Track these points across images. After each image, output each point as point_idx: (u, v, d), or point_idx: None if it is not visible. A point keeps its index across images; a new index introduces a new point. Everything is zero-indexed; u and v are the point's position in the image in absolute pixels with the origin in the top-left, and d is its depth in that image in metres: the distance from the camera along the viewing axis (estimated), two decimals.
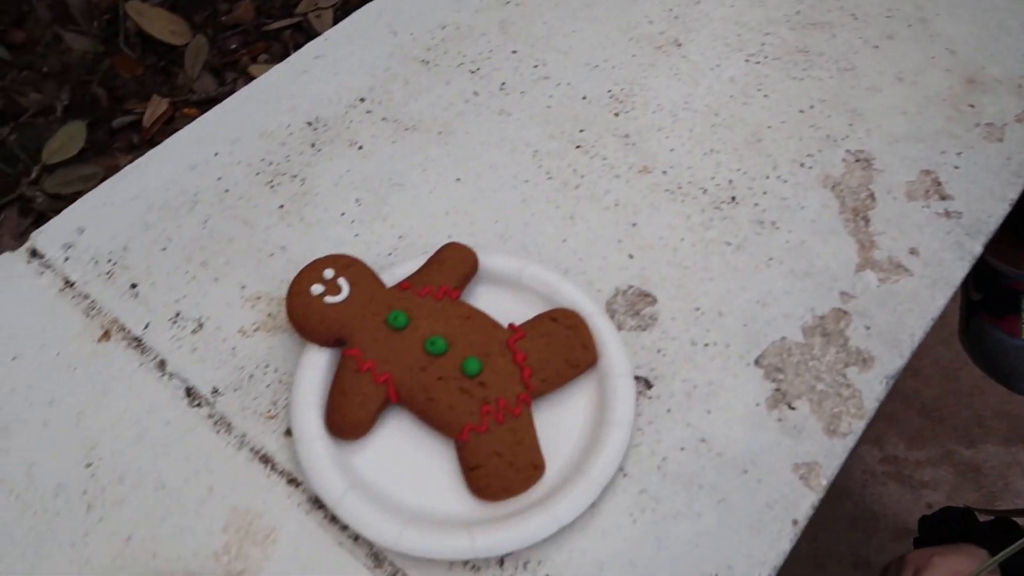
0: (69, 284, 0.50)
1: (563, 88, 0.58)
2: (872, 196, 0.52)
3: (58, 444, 0.43)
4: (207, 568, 0.39)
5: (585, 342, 0.44)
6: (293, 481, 0.42)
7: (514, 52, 0.61)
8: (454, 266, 0.46)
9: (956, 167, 0.54)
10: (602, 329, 0.45)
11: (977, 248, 0.50)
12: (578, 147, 0.55)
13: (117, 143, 0.75)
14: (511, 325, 0.45)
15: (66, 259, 0.51)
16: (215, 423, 0.44)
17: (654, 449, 0.42)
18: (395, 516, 0.39)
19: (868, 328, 0.46)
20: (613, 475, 0.40)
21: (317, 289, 0.45)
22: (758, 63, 0.60)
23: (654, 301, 0.48)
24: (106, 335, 0.47)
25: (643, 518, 0.40)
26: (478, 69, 0.60)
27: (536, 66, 0.60)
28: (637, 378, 0.45)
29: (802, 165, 0.54)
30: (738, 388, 0.44)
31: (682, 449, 0.42)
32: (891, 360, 0.45)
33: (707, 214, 0.51)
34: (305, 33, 0.74)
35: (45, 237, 0.52)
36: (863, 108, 0.57)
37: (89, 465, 0.43)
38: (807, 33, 0.61)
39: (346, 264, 0.46)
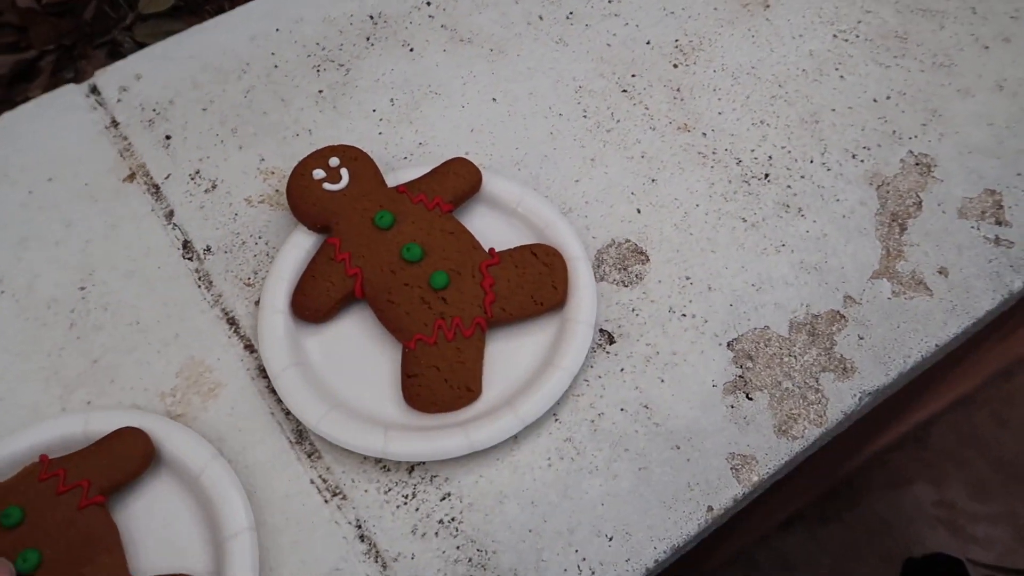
0: (115, 124, 0.53)
1: (630, 28, 0.56)
2: (919, 204, 0.48)
3: (62, 263, 0.47)
4: (152, 403, 0.42)
5: (556, 282, 0.43)
6: (249, 347, 0.44)
7: None
8: (455, 181, 0.46)
9: None
10: (580, 274, 0.44)
11: (1018, 285, 0.45)
12: (624, 91, 0.53)
13: (209, 4, 0.78)
14: (491, 250, 0.44)
15: (118, 100, 0.54)
16: (199, 278, 0.46)
17: (594, 403, 0.41)
18: (323, 401, 0.40)
19: (861, 338, 0.43)
20: (541, 416, 0.40)
21: (319, 174, 0.46)
22: (846, 41, 0.55)
23: (646, 260, 0.46)
24: (131, 176, 0.50)
25: (559, 464, 0.40)
26: None
27: (610, 1, 0.58)
28: (602, 331, 0.44)
29: (854, 156, 0.50)
30: (700, 365, 0.42)
31: (622, 410, 0.41)
32: (874, 376, 0.42)
33: (733, 186, 0.49)
34: None
35: (107, 77, 0.55)
36: (945, 110, 0.52)
37: (82, 288, 0.46)
38: (913, 19, 0.56)
39: (353, 156, 0.47)
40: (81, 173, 0.51)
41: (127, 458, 0.38)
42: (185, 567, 0.37)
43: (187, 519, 0.38)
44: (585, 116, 0.52)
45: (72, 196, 0.50)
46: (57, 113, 0.54)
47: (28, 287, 0.46)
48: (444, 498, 0.39)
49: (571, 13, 0.57)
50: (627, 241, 0.47)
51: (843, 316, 0.44)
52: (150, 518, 0.39)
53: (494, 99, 0.53)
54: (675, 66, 0.54)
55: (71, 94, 0.55)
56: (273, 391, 0.42)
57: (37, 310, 0.45)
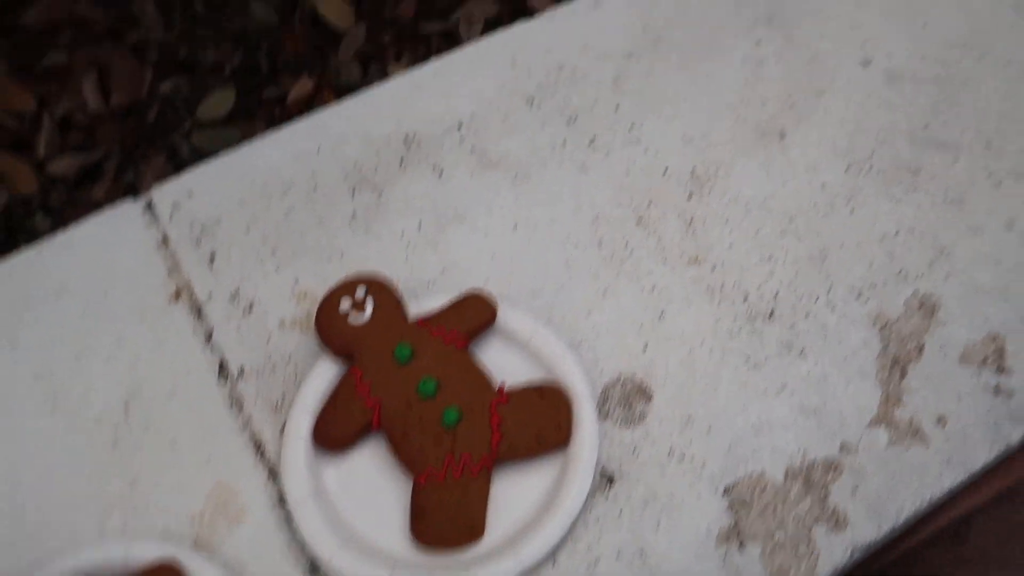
0: (165, 241, 0.57)
1: (649, 156, 0.59)
2: (920, 348, 0.49)
3: (112, 378, 0.51)
4: (182, 527, 0.46)
5: (561, 423, 0.46)
6: (273, 473, 0.47)
7: (616, 108, 0.61)
8: (471, 315, 0.49)
9: None
10: (584, 415, 0.46)
11: (1016, 437, 0.46)
12: (639, 221, 0.55)
13: (261, 112, 0.83)
14: (500, 388, 0.47)
15: (171, 217, 0.58)
16: (232, 401, 0.50)
17: (591, 546, 0.44)
18: (336, 534, 0.43)
19: (856, 488, 0.45)
20: (541, 560, 0.42)
21: (345, 304, 0.50)
22: (859, 173, 0.57)
23: (649, 399, 0.48)
24: (177, 295, 0.55)
25: None
26: (576, 119, 0.61)
27: (631, 128, 0.60)
28: (603, 474, 0.46)
29: (859, 296, 0.51)
30: (696, 511, 0.44)
31: (618, 556, 0.43)
32: (866, 530, 0.43)
33: (738, 323, 0.51)
34: (453, 40, 0.78)
35: (162, 193, 0.60)
36: (954, 248, 0.53)
37: (127, 404, 0.50)
38: (927, 152, 0.57)
39: (379, 288, 0.51)
40: (133, 289, 0.55)
41: None
42: None
43: None
44: (600, 246, 0.55)
45: (124, 312, 0.54)
46: (115, 228, 0.58)
47: (80, 400, 0.50)
48: None
49: (594, 139, 0.60)
50: (633, 377, 0.49)
51: (839, 464, 0.45)
52: None
53: (515, 226, 0.56)
54: (690, 196, 0.56)
55: (129, 210, 0.59)
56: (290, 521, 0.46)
57: (86, 424, 0.50)
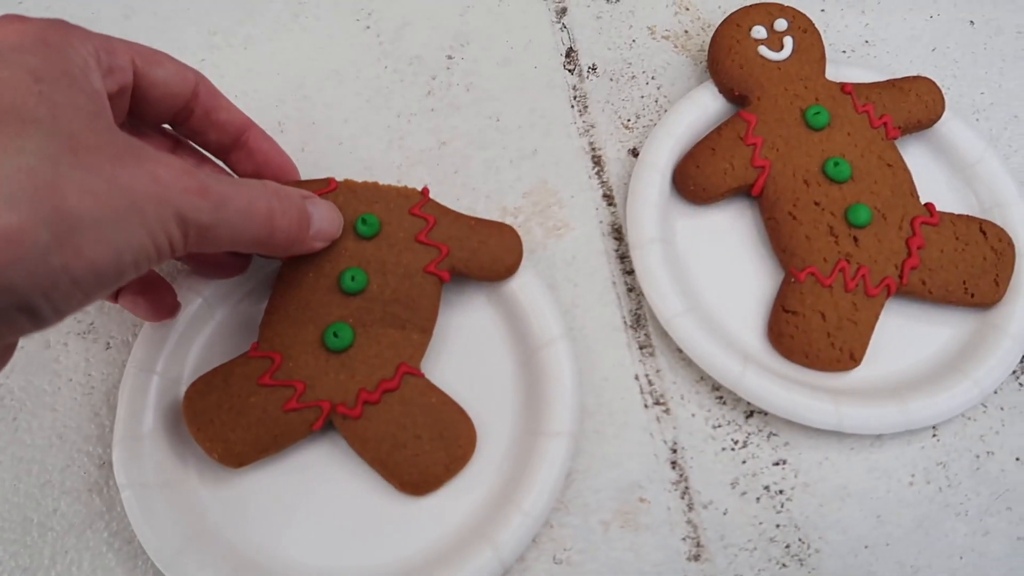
0: None
1: None
2: None
3: (436, 22, 0.41)
4: (491, 215, 0.37)
5: (1000, 276, 0.35)
6: (608, 198, 0.38)
7: None
8: (914, 105, 0.37)
9: None
10: None
11: None
12: None
13: None
14: (929, 205, 0.36)
15: None
16: (575, 97, 0.40)
17: (985, 435, 0.33)
18: (682, 297, 0.34)
19: None
20: (926, 423, 0.32)
21: (759, 32, 0.38)
22: None
23: None
24: None
25: (923, 488, 0.32)
26: None
27: None
28: None
29: None
30: None
31: (1017, 459, 0.33)
32: None
33: None
34: None
35: None
36: None
37: (450, 58, 0.41)
38: None
39: (804, 27, 0.39)
40: None
41: (499, 256, 0.33)
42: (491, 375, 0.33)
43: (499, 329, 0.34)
44: None
45: None
46: None
47: (396, 33, 0.41)
48: (778, 464, 0.33)
49: None
50: None
51: None
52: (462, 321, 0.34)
53: (972, 21, 0.42)
54: None
55: None
56: (623, 258, 0.36)
57: (398, 62, 0.40)
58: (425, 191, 0.33)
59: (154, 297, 0.31)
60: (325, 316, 0.32)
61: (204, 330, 0.34)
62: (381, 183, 0.33)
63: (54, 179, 0.20)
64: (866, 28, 0.42)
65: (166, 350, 0.33)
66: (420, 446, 0.31)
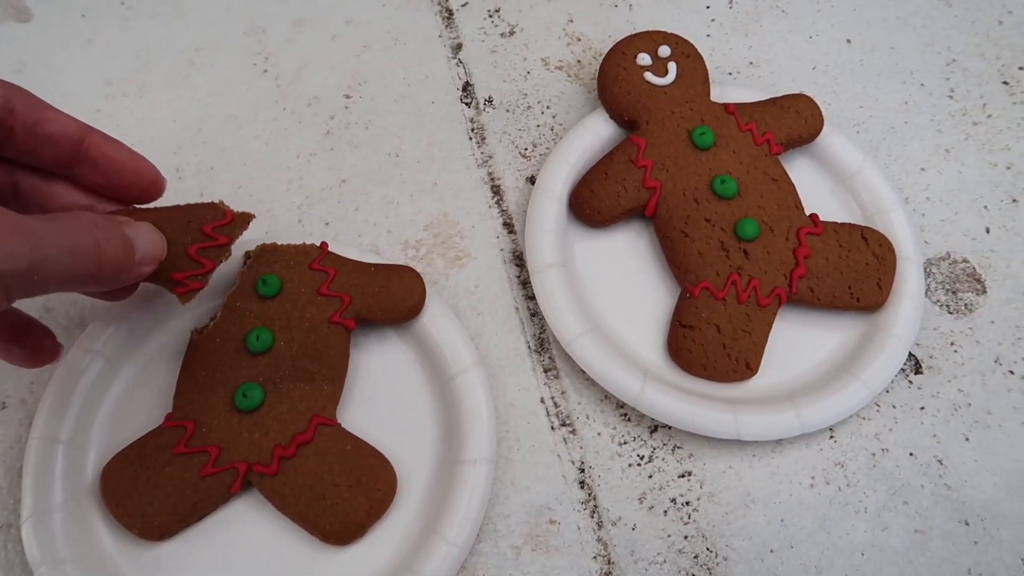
0: None
1: None
2: None
3: (334, 62, 0.42)
4: (393, 250, 0.37)
5: (882, 280, 0.36)
6: (509, 226, 0.38)
7: None
8: (794, 121, 0.39)
9: None
10: (909, 280, 0.36)
11: None
12: (1005, 83, 0.44)
13: None
14: (813, 215, 0.37)
15: None
16: (473, 129, 0.41)
17: (880, 434, 0.35)
18: (582, 318, 0.35)
19: None
20: (820, 428, 0.34)
21: (644, 59, 0.40)
22: None
23: (982, 291, 0.38)
24: None
25: (824, 489, 0.33)
26: None
27: None
28: (910, 354, 0.36)
29: None
30: (1019, 439, 0.35)
31: (911, 455, 0.34)
32: None
33: None
34: None
35: None
36: None
37: (348, 97, 0.41)
38: None
39: (687, 52, 0.40)
40: None
41: (401, 299, 0.33)
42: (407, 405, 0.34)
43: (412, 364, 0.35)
44: (951, 97, 0.43)
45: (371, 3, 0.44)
46: None
47: (293, 76, 0.42)
48: (683, 475, 0.33)
49: None
50: (965, 261, 0.39)
51: None
52: (374, 357, 0.34)
53: (848, 40, 0.44)
54: None
55: None
56: (525, 283, 0.37)
57: (296, 104, 0.41)
58: (323, 245, 0.34)
59: (28, 342, 0.29)
60: (234, 378, 0.32)
61: (109, 393, 0.33)
62: (280, 243, 0.34)
63: None
64: (750, 50, 0.44)
65: (69, 417, 0.32)
66: (339, 495, 0.31)
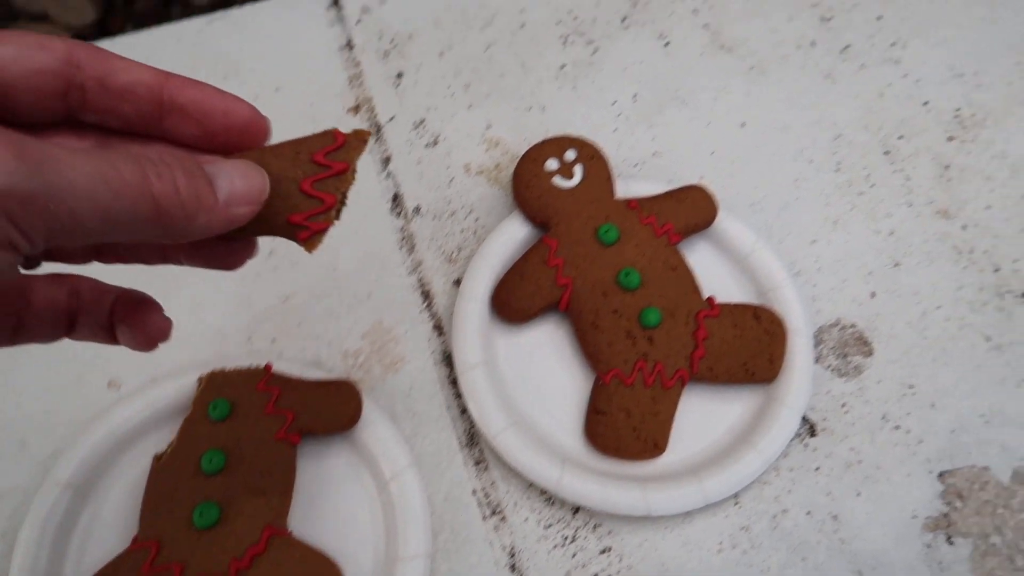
0: (350, 46, 0.51)
1: (908, 82, 0.50)
2: None
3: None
4: (334, 360, 0.41)
5: (773, 355, 0.40)
6: (439, 328, 0.42)
7: (879, 17, 0.53)
8: (689, 210, 0.43)
9: None
10: (798, 352, 0.40)
11: None
12: (886, 153, 0.48)
13: None
14: (710, 299, 0.41)
15: (358, 21, 0.52)
16: (402, 238, 0.45)
17: (780, 496, 0.39)
18: (504, 412, 0.39)
19: None
20: (724, 497, 0.37)
21: (552, 165, 0.44)
22: None
23: (869, 353, 0.42)
24: (356, 108, 0.49)
25: (730, 553, 0.37)
26: (832, 18, 0.53)
27: (894, 44, 0.52)
28: (804, 420, 0.40)
29: None
30: (904, 490, 0.39)
31: (808, 513, 0.38)
32: None
33: (984, 295, 0.44)
34: None
35: None
36: None
37: None
38: None
39: (591, 155, 0.44)
40: (308, 91, 0.49)
41: (339, 411, 0.37)
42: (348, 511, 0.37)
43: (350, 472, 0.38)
44: (837, 170, 0.47)
45: (295, 113, 0.49)
46: (296, 19, 0.52)
47: None
48: (604, 551, 0.37)
49: (848, 47, 0.52)
50: (853, 326, 0.43)
51: None
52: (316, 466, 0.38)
53: (743, 124, 0.49)
54: (950, 139, 0.48)
55: (313, 2, 0.53)
56: (454, 382, 0.41)
57: None
58: (268, 367, 0.38)
59: (136, 319, 0.27)
60: (191, 499, 0.35)
61: (80, 521, 0.37)
62: (228, 368, 0.38)
63: None
64: (653, 141, 0.48)
65: (43, 551, 0.35)
66: None
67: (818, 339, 0.43)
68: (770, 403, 0.40)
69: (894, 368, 0.42)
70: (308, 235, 0.25)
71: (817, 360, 0.42)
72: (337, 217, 0.25)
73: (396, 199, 0.46)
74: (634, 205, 0.43)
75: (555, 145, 0.44)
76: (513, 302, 0.41)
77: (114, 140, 0.25)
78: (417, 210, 0.45)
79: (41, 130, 0.24)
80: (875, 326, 0.43)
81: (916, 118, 0.49)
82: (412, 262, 0.44)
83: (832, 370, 0.42)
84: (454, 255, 0.44)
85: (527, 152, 0.44)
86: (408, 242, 0.45)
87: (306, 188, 0.24)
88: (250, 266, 0.43)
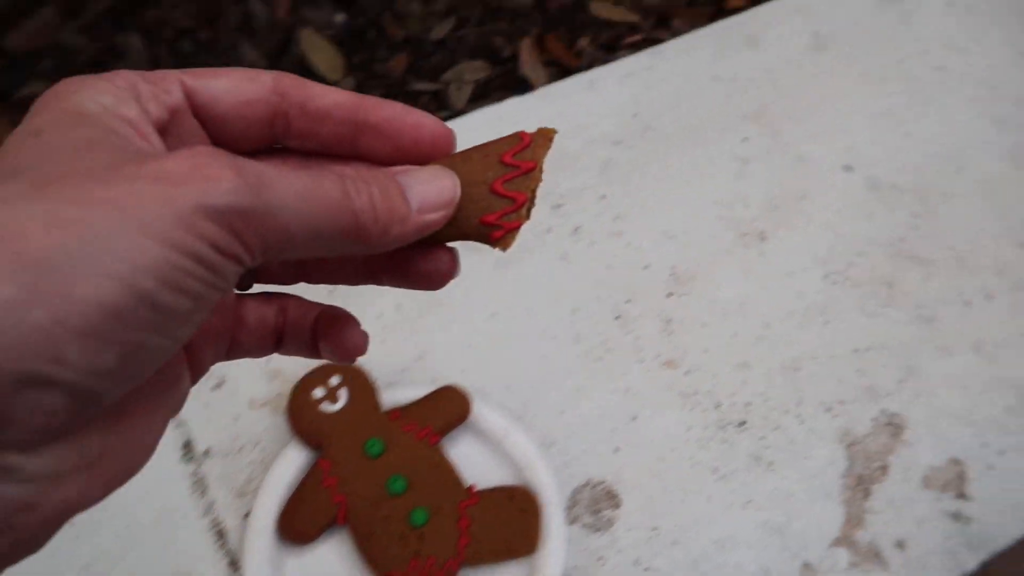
0: None
1: (631, 251, 0.59)
2: (885, 470, 0.50)
3: None
4: None
5: (530, 530, 0.46)
6: (234, 564, 0.46)
7: (603, 197, 0.62)
8: (445, 411, 0.49)
9: (991, 467, 0.50)
10: (554, 523, 0.46)
11: (971, 565, 0.47)
12: (617, 318, 0.56)
13: None
14: (471, 488, 0.47)
15: None
16: (195, 482, 0.49)
17: None
18: None
19: None
20: None
21: (319, 393, 0.49)
22: (835, 284, 0.58)
23: (618, 505, 0.48)
24: None
25: None
26: (563, 204, 0.61)
27: (616, 218, 0.61)
28: None
29: (828, 410, 0.52)
30: None
31: None
32: None
33: (708, 432, 0.51)
34: (442, 101, 0.78)
35: None
36: (923, 368, 0.54)
37: None
38: (903, 266, 0.59)
39: (354, 377, 0.50)
40: None
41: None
42: None
43: None
44: (577, 341, 0.55)
45: None
46: None
47: None
48: None
49: (578, 228, 0.60)
50: (602, 483, 0.49)
51: None
52: None
53: (494, 314, 0.56)
54: (668, 295, 0.57)
55: None
56: None
57: None
58: None
59: (333, 334, 0.28)
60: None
61: None
62: None
63: (9, 222, 0.17)
64: (416, 347, 0.55)
65: None
66: None
67: (573, 501, 0.49)
68: (534, 573, 0.45)
69: (640, 515, 0.48)
70: (502, 234, 0.26)
71: (573, 522, 0.48)
72: (527, 216, 0.26)
73: (187, 445, 0.50)
74: (396, 415, 0.49)
75: (320, 373, 0.50)
76: (296, 525, 0.46)
77: (312, 162, 0.27)
78: (207, 452, 0.50)
79: (249, 155, 0.24)
80: (621, 478, 0.49)
81: (640, 282, 0.58)
82: (205, 504, 0.48)
83: (587, 527, 0.48)
84: (244, 489, 0.49)
85: (298, 383, 0.50)
86: (200, 486, 0.49)
87: (497, 188, 0.25)
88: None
